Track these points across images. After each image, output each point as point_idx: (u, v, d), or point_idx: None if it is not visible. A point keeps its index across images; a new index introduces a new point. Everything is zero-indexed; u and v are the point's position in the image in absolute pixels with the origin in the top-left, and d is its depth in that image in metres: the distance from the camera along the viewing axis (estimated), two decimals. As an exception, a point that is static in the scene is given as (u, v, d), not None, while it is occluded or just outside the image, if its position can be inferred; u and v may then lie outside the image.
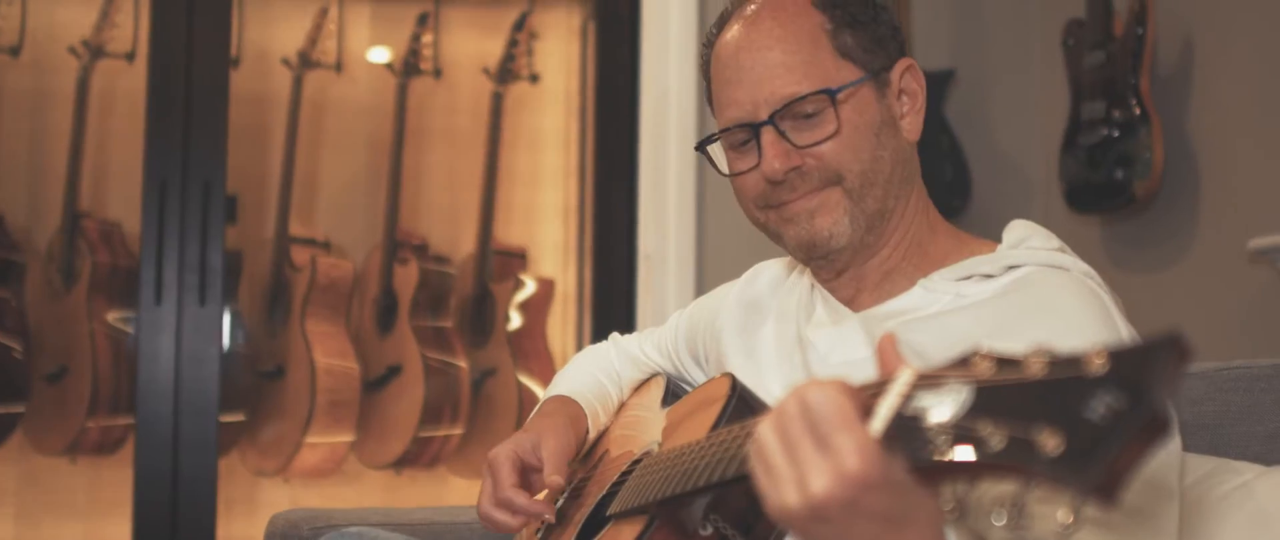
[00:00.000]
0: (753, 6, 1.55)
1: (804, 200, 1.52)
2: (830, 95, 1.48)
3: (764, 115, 1.50)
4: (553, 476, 1.65)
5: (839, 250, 1.53)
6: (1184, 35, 3.05)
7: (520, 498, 1.64)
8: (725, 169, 1.58)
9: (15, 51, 4.15)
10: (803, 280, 1.67)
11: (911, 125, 1.56)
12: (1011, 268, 1.48)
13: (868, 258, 1.56)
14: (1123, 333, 1.40)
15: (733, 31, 1.55)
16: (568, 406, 1.82)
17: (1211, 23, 3.00)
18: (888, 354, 0.99)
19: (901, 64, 1.56)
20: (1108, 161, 3.05)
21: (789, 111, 1.49)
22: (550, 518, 1.66)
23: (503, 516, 1.65)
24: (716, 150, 1.61)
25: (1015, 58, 3.61)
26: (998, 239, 1.55)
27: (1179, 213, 3.06)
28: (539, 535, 1.73)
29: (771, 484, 0.99)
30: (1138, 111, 3.00)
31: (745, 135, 1.53)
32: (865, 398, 0.96)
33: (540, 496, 1.69)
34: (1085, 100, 3.11)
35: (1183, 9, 3.05)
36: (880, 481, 0.93)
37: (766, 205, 1.55)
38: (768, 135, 1.50)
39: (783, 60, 1.50)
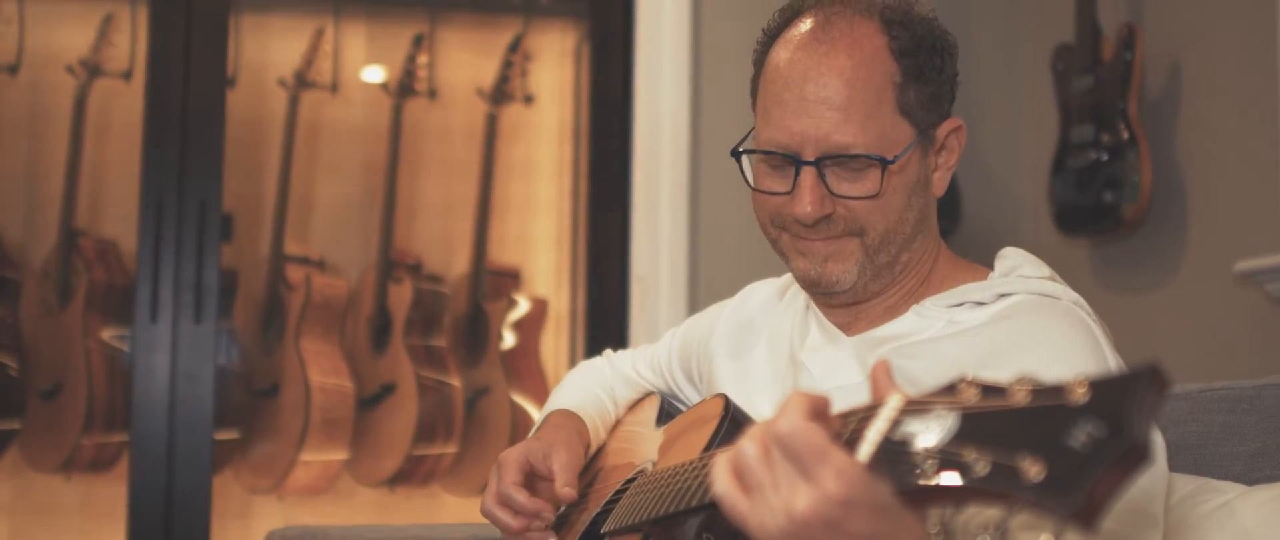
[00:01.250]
0: (831, 30, 1.49)
1: (823, 244, 1.51)
2: (883, 164, 1.46)
3: (810, 156, 1.47)
4: (566, 488, 1.66)
5: (842, 292, 1.55)
6: (1172, 60, 3.09)
7: (520, 495, 1.65)
8: (752, 180, 1.56)
9: (13, 70, 4.17)
10: (797, 301, 1.69)
11: (941, 181, 1.57)
12: (1003, 295, 1.50)
13: (870, 297, 1.58)
14: (1110, 361, 1.43)
15: (802, 49, 1.49)
16: (573, 421, 1.84)
17: (1199, 47, 3.03)
18: (880, 380, 1.01)
19: (951, 123, 1.56)
20: (1096, 184, 3.08)
21: (836, 160, 1.47)
22: (549, 516, 1.67)
23: (503, 515, 1.66)
24: (747, 159, 1.57)
25: (1005, 82, 3.64)
26: (990, 265, 1.57)
27: (1167, 235, 3.09)
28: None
29: (754, 506, 1.01)
30: (1126, 135, 3.03)
31: (783, 162, 1.50)
32: (855, 421, 0.98)
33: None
34: (1074, 124, 3.14)
35: (1170, 34, 3.09)
36: (863, 502, 0.95)
37: (782, 227, 1.54)
38: (808, 177, 1.47)
39: (845, 107, 1.45)
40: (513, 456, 1.69)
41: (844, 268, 1.52)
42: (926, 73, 1.50)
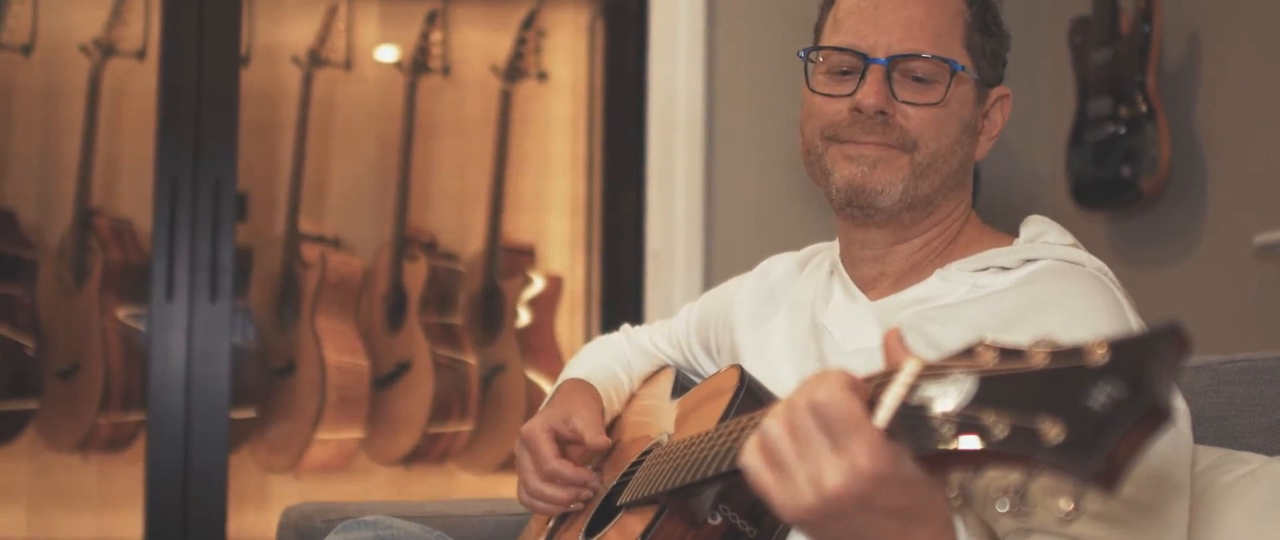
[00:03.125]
0: None
1: (874, 148, 1.52)
2: (952, 68, 1.51)
3: (882, 55, 1.51)
4: (598, 437, 1.67)
5: (880, 208, 1.54)
6: (1190, 32, 3.06)
7: (567, 468, 1.65)
8: (813, 85, 1.58)
9: (27, 50, 4.18)
10: (820, 270, 1.68)
11: (983, 145, 1.60)
12: (1027, 261, 1.50)
13: (898, 240, 1.58)
14: (1133, 326, 1.42)
15: None
16: (585, 386, 1.83)
17: (1218, 19, 3.01)
18: (893, 346, 1.00)
19: (1000, 89, 1.60)
20: (1114, 158, 3.06)
21: (905, 65, 1.51)
22: (598, 486, 1.66)
23: (552, 490, 1.65)
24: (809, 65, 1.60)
25: (1022, 55, 3.61)
26: (1015, 233, 1.57)
27: (1185, 209, 3.07)
28: (551, 525, 1.75)
29: (781, 482, 0.99)
30: (1144, 108, 3.01)
31: (851, 65, 1.54)
32: (871, 389, 0.97)
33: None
34: (1092, 97, 3.12)
35: (1189, 6, 3.06)
36: (893, 476, 0.94)
37: (833, 137, 1.55)
38: (876, 72, 1.51)
39: (922, 19, 1.52)
40: (538, 429, 1.69)
41: (891, 179, 1.52)
42: (990, 28, 1.57)
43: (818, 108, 1.56)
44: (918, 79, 1.51)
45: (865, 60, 1.52)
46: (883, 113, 1.51)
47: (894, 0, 1.53)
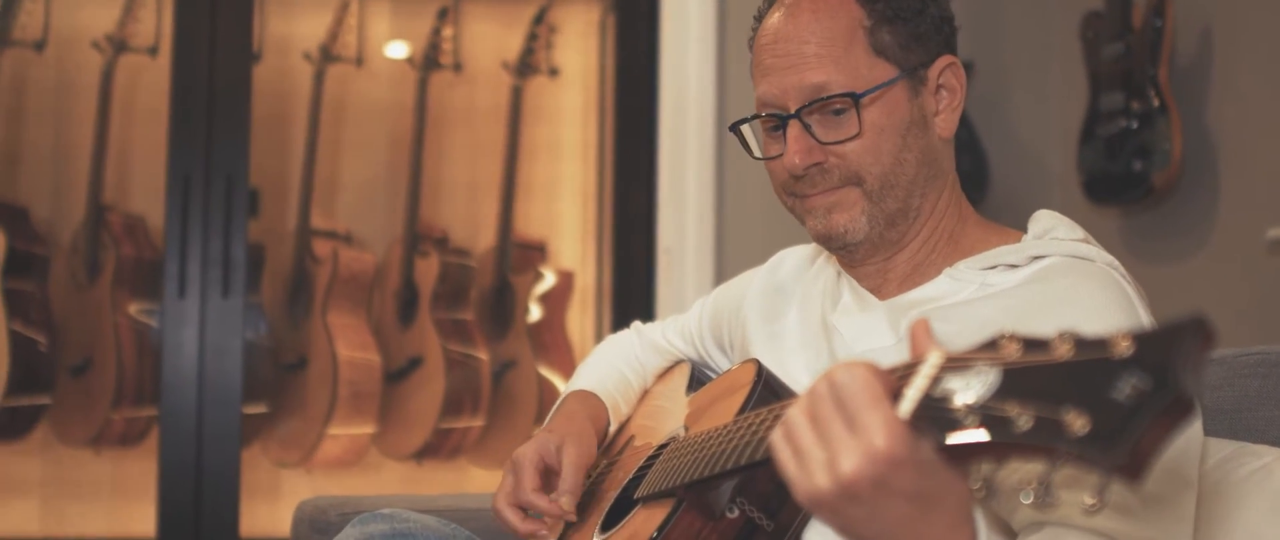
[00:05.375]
0: None
1: (822, 196, 1.53)
2: (855, 98, 1.49)
3: (792, 107, 1.51)
4: (565, 497, 1.67)
5: (856, 244, 1.55)
6: (1202, 26, 3.06)
7: (542, 501, 1.66)
8: (757, 151, 1.60)
9: (39, 46, 4.19)
10: (829, 267, 1.69)
11: (945, 122, 1.56)
12: (1037, 258, 1.49)
13: (894, 252, 1.58)
14: (1145, 322, 1.42)
15: (775, 17, 1.56)
16: (588, 403, 1.84)
17: (1230, 14, 3.01)
18: (919, 337, 1.00)
19: (943, 61, 1.55)
20: (1126, 153, 3.06)
21: (816, 107, 1.50)
22: (571, 517, 1.68)
23: (513, 516, 1.68)
24: (751, 133, 1.62)
25: (1034, 49, 3.62)
26: (1023, 229, 1.57)
27: (1198, 203, 3.07)
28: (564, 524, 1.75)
29: (800, 466, 1.00)
30: (1156, 103, 3.01)
31: (775, 123, 1.54)
32: (894, 380, 0.98)
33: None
34: (1104, 92, 3.12)
35: (1201, 1, 3.06)
36: (909, 460, 0.95)
37: (792, 192, 1.57)
38: (793, 129, 1.51)
39: (815, 52, 1.50)
40: (528, 457, 1.70)
41: (850, 217, 1.53)
42: (901, 14, 1.53)
43: (771, 170, 1.60)
44: (837, 112, 1.50)
45: (780, 118, 1.53)
46: (815, 164, 1.51)
47: (788, 42, 1.52)
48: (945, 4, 1.58)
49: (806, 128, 1.51)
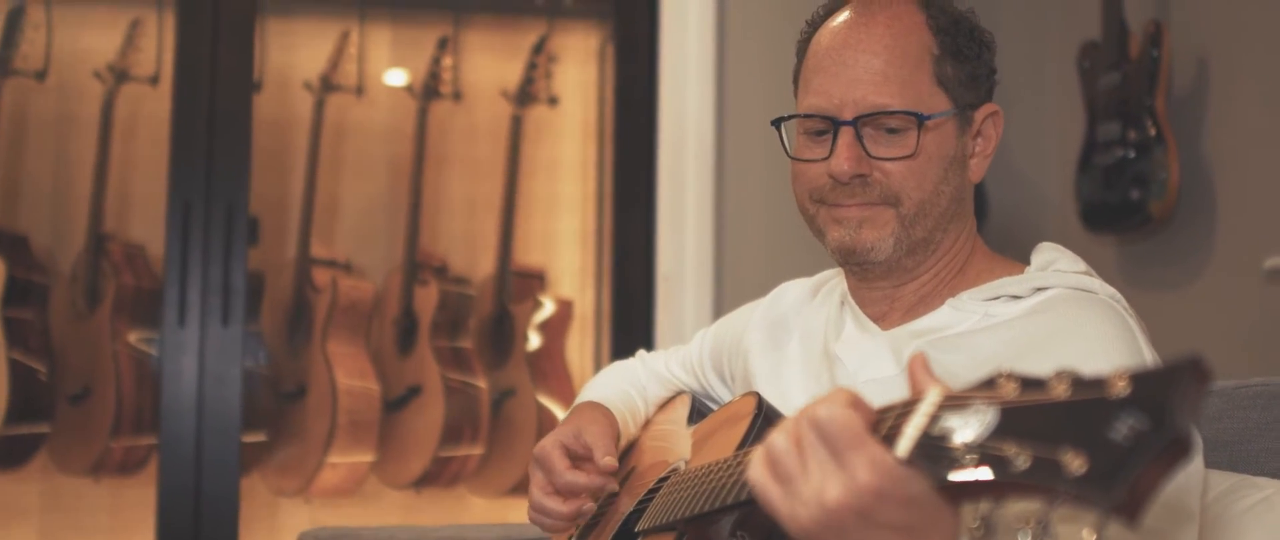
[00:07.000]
0: (871, 8, 1.55)
1: (857, 209, 1.53)
2: (919, 119, 1.50)
3: (849, 115, 1.51)
4: (606, 458, 1.68)
5: (875, 264, 1.56)
6: (1199, 56, 3.07)
7: (581, 477, 1.67)
8: (793, 151, 1.59)
9: (41, 76, 4.20)
10: (831, 298, 1.69)
11: (978, 167, 1.58)
12: (1039, 290, 1.50)
13: (906, 280, 1.59)
14: (1146, 355, 1.42)
15: (843, 21, 1.55)
16: (599, 409, 1.85)
17: (1226, 44, 3.02)
18: (918, 374, 1.01)
19: (987, 108, 1.58)
20: (1123, 182, 3.07)
21: (874, 120, 1.50)
22: (614, 484, 1.69)
23: (554, 503, 1.68)
24: (785, 130, 1.61)
25: (1031, 79, 3.63)
26: (1026, 261, 1.58)
27: (1194, 232, 3.07)
28: (573, 540, 1.76)
29: (785, 494, 1.01)
30: (1153, 132, 3.02)
31: (824, 126, 1.54)
32: (892, 417, 0.98)
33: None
34: (1101, 121, 3.13)
35: (1198, 30, 3.08)
36: (894, 493, 0.96)
37: (820, 200, 1.57)
38: (846, 135, 1.51)
39: (883, 70, 1.50)
40: (551, 447, 1.71)
41: (879, 235, 1.53)
42: (964, 51, 1.55)
43: (800, 172, 1.58)
44: (891, 130, 1.50)
45: (834, 123, 1.52)
46: (860, 175, 1.51)
47: (856, 52, 1.51)
48: (993, 55, 1.60)
49: (859, 139, 1.51)
